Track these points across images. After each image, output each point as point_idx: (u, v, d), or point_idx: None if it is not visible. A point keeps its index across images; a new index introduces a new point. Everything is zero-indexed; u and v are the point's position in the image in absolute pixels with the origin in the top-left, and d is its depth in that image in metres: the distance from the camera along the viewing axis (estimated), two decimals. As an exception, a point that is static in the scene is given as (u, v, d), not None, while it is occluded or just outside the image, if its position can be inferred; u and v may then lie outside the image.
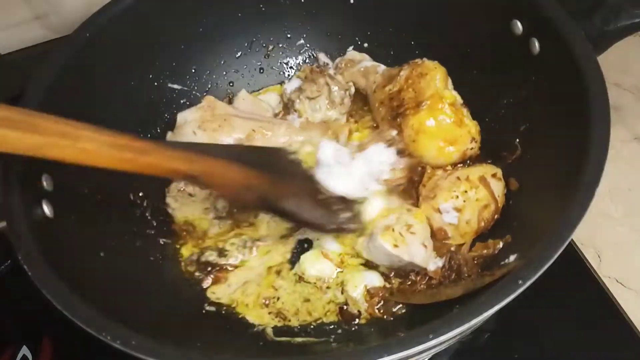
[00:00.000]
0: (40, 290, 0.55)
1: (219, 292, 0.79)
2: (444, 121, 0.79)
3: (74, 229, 0.69)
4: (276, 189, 0.73)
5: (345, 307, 0.76)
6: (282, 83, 1.01)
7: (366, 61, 0.96)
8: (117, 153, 0.59)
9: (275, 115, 0.96)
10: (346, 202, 0.76)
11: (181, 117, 0.88)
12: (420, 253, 0.73)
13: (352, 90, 0.95)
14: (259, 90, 1.02)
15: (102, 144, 0.57)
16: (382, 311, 0.73)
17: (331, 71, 0.96)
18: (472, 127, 0.81)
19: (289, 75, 1.02)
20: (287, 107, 0.95)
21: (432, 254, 0.75)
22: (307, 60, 1.02)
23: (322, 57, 1.00)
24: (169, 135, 0.89)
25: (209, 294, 0.79)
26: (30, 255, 0.58)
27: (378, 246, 0.73)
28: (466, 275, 0.71)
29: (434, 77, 0.81)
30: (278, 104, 0.99)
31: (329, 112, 0.92)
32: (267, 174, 0.72)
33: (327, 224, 0.75)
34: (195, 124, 0.85)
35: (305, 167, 0.79)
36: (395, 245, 0.72)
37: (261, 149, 0.82)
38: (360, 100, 0.96)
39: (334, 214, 0.75)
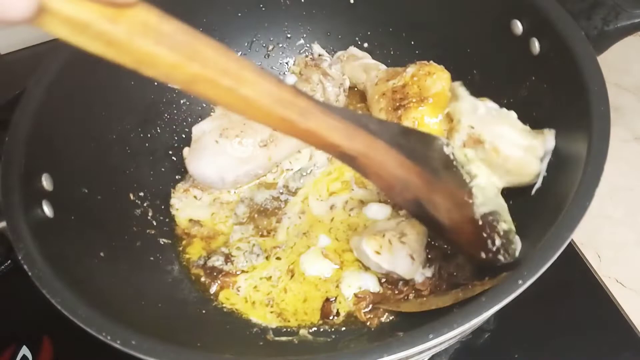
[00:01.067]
0: (40, 290, 0.55)
1: (232, 298, 0.78)
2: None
3: (74, 229, 0.69)
4: (432, 192, 0.60)
5: (331, 300, 0.76)
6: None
7: (368, 59, 0.96)
8: (280, 110, 0.48)
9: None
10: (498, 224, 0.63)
11: (197, 129, 0.87)
12: (404, 264, 0.72)
13: (347, 84, 0.95)
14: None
15: (266, 94, 0.46)
16: (369, 317, 0.72)
17: (326, 64, 0.95)
18: None
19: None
20: None
21: (419, 266, 0.73)
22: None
23: (317, 49, 0.99)
24: (186, 151, 0.88)
25: (222, 299, 0.78)
26: (30, 255, 0.58)
27: (362, 248, 0.73)
28: (462, 281, 0.70)
29: (440, 78, 0.82)
30: None
31: None
32: (425, 170, 0.59)
33: (480, 249, 0.61)
34: (215, 134, 0.84)
35: (459, 167, 0.64)
36: (378, 252, 0.71)
37: (416, 132, 0.67)
38: (356, 97, 0.97)
39: (488, 237, 0.62)
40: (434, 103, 0.79)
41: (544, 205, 0.65)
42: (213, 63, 0.43)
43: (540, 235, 0.55)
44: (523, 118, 0.76)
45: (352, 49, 0.99)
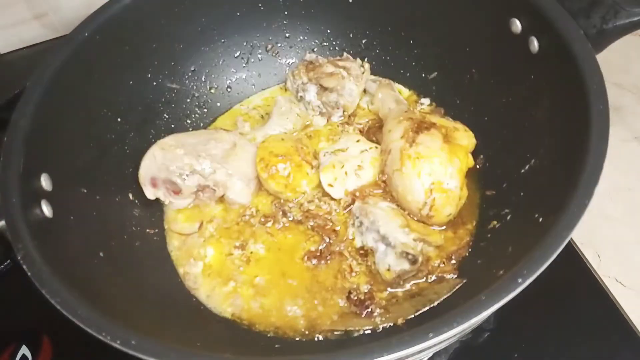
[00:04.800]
0: (40, 290, 0.55)
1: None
2: None
3: (73, 228, 0.69)
4: None
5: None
6: (263, 89, 1.02)
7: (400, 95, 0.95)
8: None
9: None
10: None
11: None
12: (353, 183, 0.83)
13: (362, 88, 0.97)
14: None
15: None
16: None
17: (324, 67, 0.95)
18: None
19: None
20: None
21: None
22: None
23: (308, 57, 0.99)
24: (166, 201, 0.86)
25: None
26: (30, 255, 0.58)
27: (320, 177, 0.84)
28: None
29: (469, 135, 0.81)
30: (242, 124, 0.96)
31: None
32: None
33: None
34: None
35: None
36: (330, 185, 0.84)
37: None
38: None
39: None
40: (452, 144, 0.78)
41: (544, 205, 0.65)
42: None
43: (540, 234, 0.55)
44: (522, 118, 0.76)
45: (391, 82, 0.97)
